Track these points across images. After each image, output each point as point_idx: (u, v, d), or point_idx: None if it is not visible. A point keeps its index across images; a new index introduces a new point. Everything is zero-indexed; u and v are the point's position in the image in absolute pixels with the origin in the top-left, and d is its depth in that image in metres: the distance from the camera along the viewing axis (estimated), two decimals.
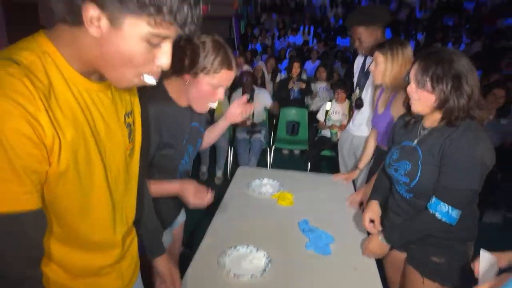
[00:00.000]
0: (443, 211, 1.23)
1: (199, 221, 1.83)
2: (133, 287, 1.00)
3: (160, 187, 1.26)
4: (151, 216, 1.13)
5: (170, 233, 1.48)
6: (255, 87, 4.13)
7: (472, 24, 9.51)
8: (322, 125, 3.97)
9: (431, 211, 1.26)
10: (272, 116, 4.48)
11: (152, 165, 1.26)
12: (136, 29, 0.63)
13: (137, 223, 1.00)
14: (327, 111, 3.92)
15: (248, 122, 4.05)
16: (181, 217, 1.60)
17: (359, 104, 2.32)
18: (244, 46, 9.64)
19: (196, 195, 1.27)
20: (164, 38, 0.67)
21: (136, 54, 0.66)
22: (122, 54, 0.65)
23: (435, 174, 1.26)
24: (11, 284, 0.65)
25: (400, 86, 1.73)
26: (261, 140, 3.91)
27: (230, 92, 4.64)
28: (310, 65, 6.72)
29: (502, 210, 3.24)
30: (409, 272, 1.41)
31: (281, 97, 4.69)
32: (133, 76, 0.70)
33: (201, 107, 1.25)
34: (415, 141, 1.36)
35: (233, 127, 4.15)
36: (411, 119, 1.41)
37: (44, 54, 0.65)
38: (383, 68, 1.79)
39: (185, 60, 1.15)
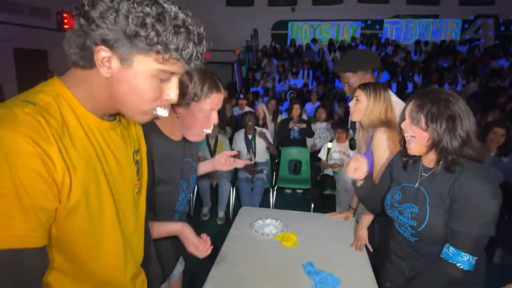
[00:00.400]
0: (464, 260, 1.18)
1: (198, 266, 1.77)
2: None
3: (161, 226, 1.24)
4: (153, 261, 1.10)
5: (167, 285, 1.43)
6: (256, 127, 4.19)
7: (467, 66, 9.81)
8: (324, 164, 3.98)
9: (451, 261, 1.20)
10: (274, 155, 4.50)
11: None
12: (145, 67, 0.67)
13: (144, 266, 0.98)
14: (328, 149, 3.95)
15: (251, 162, 4.07)
16: (180, 267, 1.55)
17: (352, 144, 2.34)
18: (246, 89, 9.92)
19: (195, 246, 1.25)
20: (172, 73, 0.71)
21: (147, 90, 0.69)
22: (134, 91, 0.69)
23: (444, 217, 1.23)
24: None
25: (375, 125, 1.78)
26: (264, 180, 3.90)
27: (232, 132, 4.72)
28: (310, 106, 6.88)
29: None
30: None
31: (282, 136, 4.76)
32: (147, 110, 0.73)
33: (197, 136, 1.26)
34: (417, 183, 1.33)
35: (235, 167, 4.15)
36: (408, 159, 1.39)
37: (58, 96, 0.68)
38: (364, 106, 1.81)
39: None
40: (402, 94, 6.68)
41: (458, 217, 1.19)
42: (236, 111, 5.70)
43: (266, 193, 4.04)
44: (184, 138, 1.31)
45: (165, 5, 0.65)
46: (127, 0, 0.63)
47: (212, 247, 1.29)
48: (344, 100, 7.35)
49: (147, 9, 0.63)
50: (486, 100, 5.98)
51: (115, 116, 0.81)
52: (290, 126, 4.70)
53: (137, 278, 0.92)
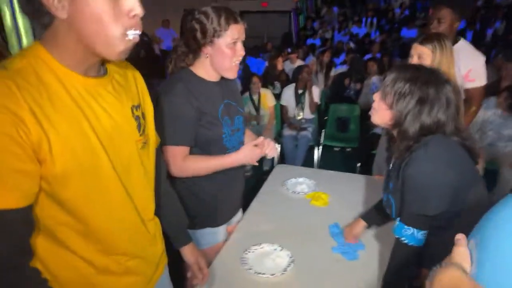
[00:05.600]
0: (408, 234, 1.11)
1: None
2: (160, 277, 1.05)
3: (219, 159, 1.36)
4: (173, 207, 1.18)
5: (225, 230, 1.54)
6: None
7: None
8: None
9: (396, 235, 1.14)
10: (322, 112, 4.39)
11: (200, 145, 1.34)
12: None
13: (159, 216, 1.05)
14: None
15: (299, 118, 4.02)
16: (238, 216, 1.65)
17: None
18: (302, 41, 9.53)
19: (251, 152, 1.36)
20: None
21: (103, 11, 0.67)
22: (92, 17, 0.67)
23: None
24: None
25: None
26: (309, 137, 3.85)
27: (281, 87, 4.65)
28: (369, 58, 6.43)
29: None
30: None
31: (335, 92, 4.58)
32: (118, 39, 0.71)
33: (231, 70, 1.32)
34: (390, 167, 1.26)
35: (281, 123, 4.14)
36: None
37: (36, 58, 0.70)
38: (429, 62, 1.65)
39: (197, 36, 1.25)
40: (478, 43, 5.95)
41: (403, 192, 1.12)
42: (287, 65, 5.55)
43: (311, 151, 4.01)
44: (222, 81, 1.39)
45: None
46: None
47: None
48: (406, 54, 6.75)
49: None
50: None
51: (105, 72, 0.82)
52: (347, 83, 4.47)
53: (151, 222, 0.98)
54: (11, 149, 0.63)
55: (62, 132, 0.70)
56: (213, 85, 1.37)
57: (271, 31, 13.25)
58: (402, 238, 1.12)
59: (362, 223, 1.48)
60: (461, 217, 1.08)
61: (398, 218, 1.15)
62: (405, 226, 1.11)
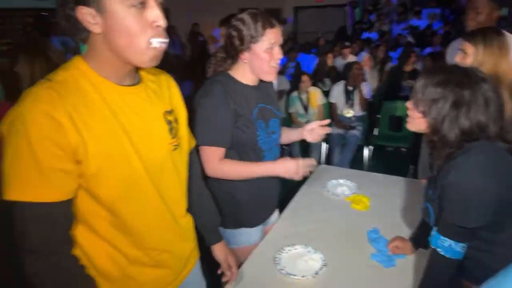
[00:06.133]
0: (445, 245, 1.02)
1: None
2: (192, 271, 1.12)
3: (254, 166, 1.39)
4: (206, 206, 1.23)
5: (261, 230, 1.58)
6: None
7: None
8: None
9: (432, 246, 1.06)
10: (373, 110, 4.22)
11: (236, 147, 1.38)
12: (114, 3, 0.74)
13: (192, 213, 1.12)
14: None
15: (348, 115, 3.91)
16: (275, 216, 1.68)
17: None
18: (358, 35, 9.19)
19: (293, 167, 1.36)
20: None
21: (130, 22, 0.76)
22: (121, 30, 0.76)
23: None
24: (41, 256, 0.77)
25: (499, 80, 1.45)
26: (357, 136, 3.73)
27: (332, 84, 4.55)
28: (430, 51, 6.02)
29: None
30: None
31: (389, 89, 4.37)
32: (144, 47, 0.79)
33: (269, 73, 1.36)
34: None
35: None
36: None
37: (76, 70, 0.80)
38: (471, 61, 1.53)
39: (235, 42, 1.29)
40: None
41: (442, 200, 1.05)
42: (339, 61, 5.40)
43: (360, 151, 3.88)
44: (259, 85, 1.43)
45: None
46: None
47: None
48: None
49: None
50: None
51: (139, 80, 0.90)
52: (403, 81, 4.24)
53: (183, 219, 1.05)
54: (53, 150, 0.73)
55: (97, 136, 0.78)
56: (250, 88, 1.40)
57: (325, 26, 12.97)
58: (439, 249, 1.06)
59: (410, 246, 1.41)
60: (505, 230, 1.00)
61: (435, 228, 1.09)
62: (442, 237, 1.04)
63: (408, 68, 4.28)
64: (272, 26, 1.29)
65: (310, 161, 1.32)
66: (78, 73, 0.80)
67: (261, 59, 1.31)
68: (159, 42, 0.80)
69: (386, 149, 4.42)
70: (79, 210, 0.84)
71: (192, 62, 6.19)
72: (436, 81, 1.04)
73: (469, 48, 1.55)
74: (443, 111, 1.02)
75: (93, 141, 0.78)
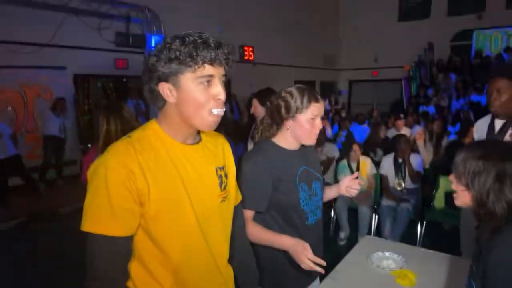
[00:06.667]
0: None
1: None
2: None
3: (275, 236, 1.38)
4: (245, 263, 1.28)
5: None
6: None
7: None
8: None
9: None
10: (427, 184, 4.05)
11: (278, 210, 1.44)
12: (187, 80, 0.93)
13: (232, 265, 1.17)
14: None
15: (399, 188, 3.80)
16: (316, 284, 1.63)
17: None
18: (413, 108, 9.14)
19: (303, 255, 1.27)
20: (210, 76, 0.93)
21: (198, 95, 0.94)
22: (190, 101, 0.94)
23: None
24: (102, 283, 0.89)
25: None
26: (409, 209, 3.56)
27: (383, 154, 4.51)
28: None
29: None
30: None
31: (446, 164, 4.21)
32: (207, 115, 0.96)
33: (310, 139, 1.47)
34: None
35: (380, 192, 3.96)
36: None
37: (151, 130, 0.99)
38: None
39: (281, 111, 1.44)
40: None
41: (485, 279, 0.99)
42: (392, 132, 5.38)
43: (414, 226, 3.67)
44: (301, 150, 1.54)
45: (184, 34, 0.93)
46: (164, 48, 0.91)
47: (322, 269, 1.28)
48: None
49: (175, 43, 0.91)
50: None
51: (199, 140, 1.06)
52: None
53: (225, 268, 1.11)
54: (124, 193, 0.89)
55: (160, 183, 0.93)
56: (292, 153, 1.51)
57: (380, 98, 13.13)
58: None
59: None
60: None
61: None
62: None
63: (467, 142, 4.14)
64: (316, 100, 1.44)
65: (321, 261, 1.26)
66: (152, 133, 0.98)
67: (303, 128, 1.44)
68: (218, 111, 0.97)
69: (442, 226, 4.12)
70: (136, 246, 0.96)
71: (246, 127, 6.60)
72: (476, 155, 1.06)
73: (502, 82, 1.57)
74: (487, 184, 1.03)
75: (155, 187, 0.92)
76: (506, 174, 1.01)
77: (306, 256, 1.26)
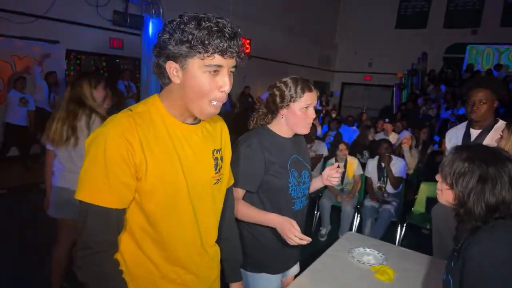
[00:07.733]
0: None
1: None
2: None
3: (263, 213, 1.43)
4: (232, 244, 1.30)
5: (279, 279, 1.62)
6: (392, 156, 3.97)
7: None
8: None
9: None
10: (410, 189, 4.15)
11: (267, 193, 1.48)
12: (196, 66, 0.90)
13: (219, 246, 1.19)
14: None
15: (380, 191, 3.89)
16: (295, 269, 1.72)
17: None
18: (403, 115, 9.30)
19: (290, 231, 1.32)
20: (218, 66, 0.91)
21: (203, 83, 0.91)
22: (195, 86, 0.92)
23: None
24: (90, 252, 0.88)
25: None
26: (391, 212, 3.65)
27: (370, 157, 4.59)
28: None
29: None
30: None
31: (430, 172, 4.32)
32: (206, 104, 0.94)
33: (304, 128, 1.52)
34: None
35: (364, 193, 4.04)
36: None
37: (152, 105, 0.98)
38: (503, 144, 1.70)
39: (276, 100, 1.48)
40: None
41: (462, 273, 1.04)
42: (380, 136, 5.48)
43: (394, 228, 3.77)
44: (294, 138, 1.58)
45: (202, 17, 0.89)
46: (178, 28, 0.88)
47: (307, 241, 1.32)
48: None
49: (190, 26, 0.87)
50: None
51: (198, 121, 1.05)
52: (438, 160, 4.24)
53: (211, 248, 1.13)
54: (121, 166, 0.88)
55: (157, 159, 0.93)
56: (286, 140, 1.56)
57: (371, 102, 13.30)
58: None
59: None
60: None
61: None
62: None
63: (444, 148, 4.25)
64: (310, 90, 1.49)
65: (307, 237, 1.32)
66: (153, 108, 0.97)
67: (296, 116, 1.48)
68: (218, 103, 0.96)
69: (421, 230, 4.23)
70: (128, 220, 0.96)
71: (236, 118, 6.63)
72: (463, 156, 1.11)
73: (505, 133, 1.65)
74: (469, 185, 1.08)
75: (153, 162, 0.92)
76: (489, 177, 1.06)
77: (293, 233, 1.31)
